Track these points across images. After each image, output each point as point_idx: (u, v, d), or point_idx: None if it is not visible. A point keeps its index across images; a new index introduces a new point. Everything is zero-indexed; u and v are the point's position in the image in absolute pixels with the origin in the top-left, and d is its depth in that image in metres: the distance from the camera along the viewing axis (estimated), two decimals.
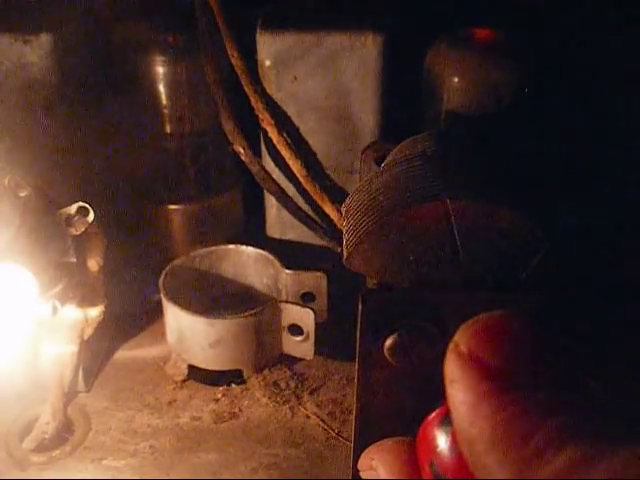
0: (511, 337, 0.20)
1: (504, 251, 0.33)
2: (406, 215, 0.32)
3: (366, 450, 0.30)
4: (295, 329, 0.56)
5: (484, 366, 0.19)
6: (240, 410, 0.55)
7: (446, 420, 0.24)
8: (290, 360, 0.59)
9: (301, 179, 0.59)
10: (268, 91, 0.58)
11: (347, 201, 0.36)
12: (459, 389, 0.20)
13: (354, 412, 0.38)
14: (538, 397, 0.19)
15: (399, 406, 0.37)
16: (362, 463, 0.30)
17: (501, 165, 0.38)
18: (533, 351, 0.20)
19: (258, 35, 0.57)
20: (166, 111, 0.63)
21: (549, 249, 0.32)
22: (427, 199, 0.32)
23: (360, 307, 0.34)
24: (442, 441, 0.24)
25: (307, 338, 0.55)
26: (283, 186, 0.61)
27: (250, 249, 0.63)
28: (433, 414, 0.26)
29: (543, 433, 0.18)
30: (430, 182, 0.33)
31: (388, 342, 0.34)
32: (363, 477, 0.30)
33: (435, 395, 0.27)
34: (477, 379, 0.19)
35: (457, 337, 0.20)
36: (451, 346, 0.20)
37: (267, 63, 0.57)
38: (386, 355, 0.35)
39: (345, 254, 0.34)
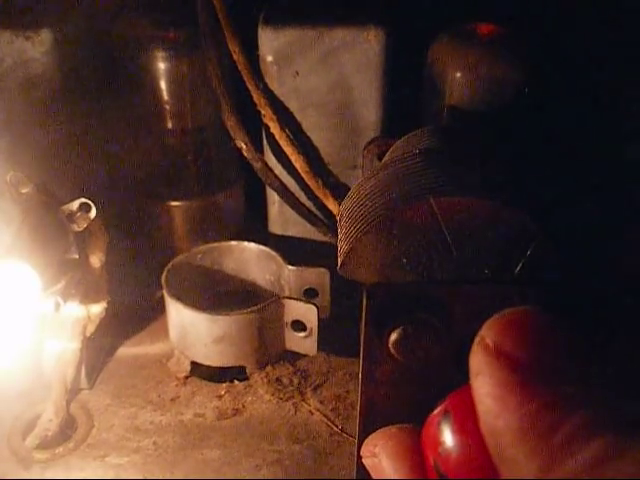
0: (536, 331, 0.20)
1: (496, 245, 0.33)
2: (391, 219, 0.32)
3: (369, 436, 0.30)
4: (298, 325, 0.56)
5: (510, 359, 0.20)
6: (243, 406, 0.55)
7: (447, 416, 0.24)
8: (293, 356, 0.59)
9: (303, 175, 0.59)
10: (270, 86, 0.58)
11: (340, 208, 0.36)
12: (485, 381, 0.20)
13: (358, 407, 0.38)
14: (564, 391, 0.19)
15: (403, 400, 0.37)
16: (365, 449, 0.30)
17: (494, 159, 0.38)
18: (558, 345, 0.20)
19: (260, 30, 0.56)
20: (167, 107, 0.63)
21: (544, 242, 0.32)
22: (410, 200, 0.32)
23: (365, 301, 0.34)
24: (444, 438, 0.24)
25: (310, 334, 0.55)
26: (285, 182, 0.60)
27: (252, 245, 0.63)
28: (436, 410, 0.26)
29: (570, 425, 0.18)
30: (415, 182, 0.33)
31: (393, 336, 0.34)
32: (365, 463, 0.30)
33: (439, 389, 0.27)
34: (503, 372, 0.20)
35: (483, 331, 0.21)
36: (477, 339, 0.21)
37: (269, 58, 0.57)
38: (391, 349, 0.35)
39: (339, 263, 0.34)
